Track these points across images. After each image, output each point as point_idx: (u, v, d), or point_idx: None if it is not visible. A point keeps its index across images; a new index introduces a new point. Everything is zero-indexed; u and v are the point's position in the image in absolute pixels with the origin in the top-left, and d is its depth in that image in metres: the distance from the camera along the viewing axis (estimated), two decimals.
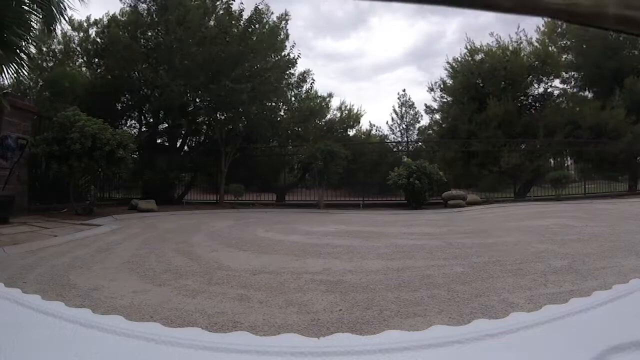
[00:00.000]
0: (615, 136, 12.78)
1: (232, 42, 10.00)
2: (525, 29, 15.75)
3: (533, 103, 15.99)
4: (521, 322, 0.58)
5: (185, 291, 2.71)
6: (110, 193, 11.93)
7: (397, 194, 11.36)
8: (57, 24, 5.81)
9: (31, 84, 11.62)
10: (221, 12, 10.98)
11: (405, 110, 18.42)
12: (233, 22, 10.43)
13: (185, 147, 13.57)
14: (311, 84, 14.27)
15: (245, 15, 10.76)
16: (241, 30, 10.41)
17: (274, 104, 12.12)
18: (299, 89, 13.83)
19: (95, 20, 12.75)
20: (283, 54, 12.04)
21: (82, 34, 12.88)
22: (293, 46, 12.08)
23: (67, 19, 5.86)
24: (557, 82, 16.06)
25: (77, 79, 11.08)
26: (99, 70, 12.49)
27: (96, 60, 12.61)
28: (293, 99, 13.74)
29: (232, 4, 10.69)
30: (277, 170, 13.93)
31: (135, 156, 10.54)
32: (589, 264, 3.22)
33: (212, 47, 9.84)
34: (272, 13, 12.36)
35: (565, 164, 14.12)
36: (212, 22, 10.76)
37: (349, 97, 52.17)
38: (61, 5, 5.37)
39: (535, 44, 15.46)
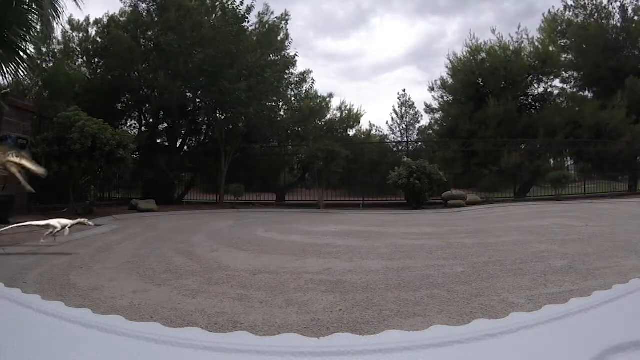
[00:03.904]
0: (615, 136, 12.79)
1: (229, 41, 10.00)
2: (527, 28, 15.82)
3: (533, 103, 16.00)
4: (521, 322, 0.58)
5: (185, 291, 2.70)
6: (110, 193, 11.93)
7: (397, 194, 11.36)
8: (55, 24, 5.82)
9: (31, 84, 11.62)
10: (220, 12, 10.98)
11: (405, 110, 18.45)
12: (231, 21, 10.43)
13: (185, 147, 13.58)
14: (311, 84, 14.31)
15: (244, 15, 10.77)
16: (237, 30, 10.39)
17: (273, 103, 12.13)
18: (299, 89, 13.85)
19: (96, 19, 12.76)
20: (283, 53, 12.05)
21: (82, 34, 12.88)
22: (290, 43, 12.12)
23: (62, 20, 5.87)
24: (557, 82, 16.10)
25: (74, 77, 11.06)
26: (99, 71, 12.49)
27: (96, 60, 12.61)
28: (293, 98, 13.75)
29: (231, 3, 10.70)
30: (277, 170, 13.93)
31: (135, 156, 10.54)
32: (589, 264, 3.21)
33: (209, 48, 9.84)
34: (272, 13, 12.39)
35: (565, 164, 14.13)
36: (211, 22, 10.76)
37: (349, 97, 52.34)
38: (57, 7, 5.38)
39: (536, 43, 15.50)
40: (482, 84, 15.21)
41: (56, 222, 4.34)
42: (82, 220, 4.63)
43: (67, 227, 4.38)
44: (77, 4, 5.67)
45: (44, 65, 11.68)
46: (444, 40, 35.14)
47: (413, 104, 18.46)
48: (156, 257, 3.91)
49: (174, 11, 10.58)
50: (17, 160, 3.72)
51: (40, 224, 4.36)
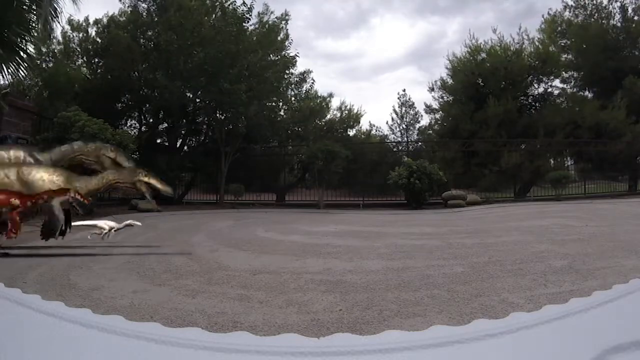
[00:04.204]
0: (615, 136, 12.78)
1: (229, 41, 9.99)
2: (527, 29, 15.81)
3: (533, 103, 15.99)
4: (521, 322, 0.59)
5: (185, 291, 2.71)
6: (109, 193, 11.91)
7: (397, 194, 11.36)
8: (55, 24, 5.83)
9: (31, 83, 11.62)
10: (220, 12, 10.98)
11: (405, 110, 18.39)
12: (231, 21, 10.42)
13: (185, 147, 13.56)
14: (311, 84, 14.28)
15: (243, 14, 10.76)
16: (238, 30, 10.38)
17: (273, 103, 12.12)
18: (299, 89, 13.83)
19: (95, 19, 12.74)
20: (283, 53, 12.04)
21: (81, 34, 12.86)
22: (290, 43, 12.12)
23: (61, 20, 5.88)
24: (557, 82, 16.08)
25: (74, 77, 11.04)
26: (99, 71, 12.48)
27: (96, 60, 12.59)
28: (293, 98, 13.74)
29: (231, 3, 10.70)
30: (277, 170, 13.92)
31: (135, 156, 10.52)
32: (589, 264, 3.21)
33: (209, 48, 9.84)
34: (272, 13, 12.38)
35: (565, 164, 14.12)
36: (211, 22, 10.76)
37: (349, 97, 52.16)
38: (57, 7, 5.39)
39: (536, 43, 15.49)
40: (482, 84, 15.20)
41: (104, 224, 4.48)
42: (129, 222, 4.64)
43: (113, 230, 4.47)
44: (75, 3, 5.69)
45: (44, 65, 11.68)
46: (444, 40, 35.08)
47: (413, 104, 18.40)
48: (156, 257, 3.92)
49: (173, 11, 10.57)
50: (146, 179, 3.90)
51: (87, 223, 4.52)
